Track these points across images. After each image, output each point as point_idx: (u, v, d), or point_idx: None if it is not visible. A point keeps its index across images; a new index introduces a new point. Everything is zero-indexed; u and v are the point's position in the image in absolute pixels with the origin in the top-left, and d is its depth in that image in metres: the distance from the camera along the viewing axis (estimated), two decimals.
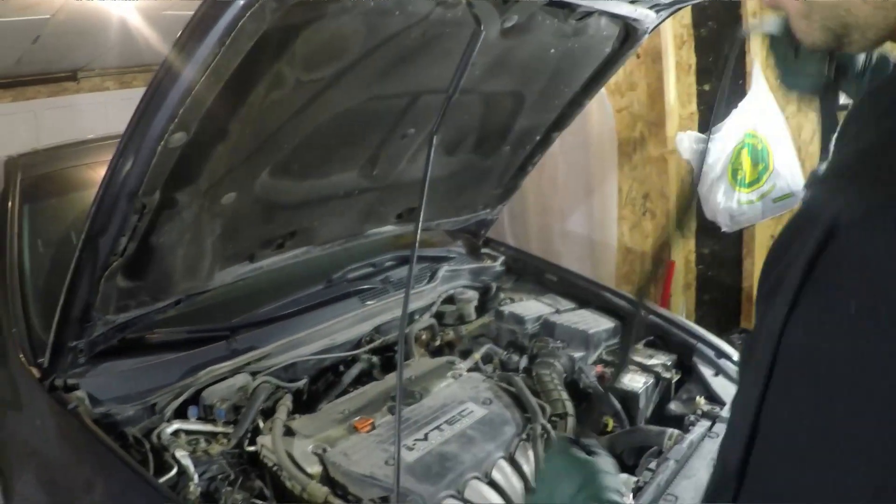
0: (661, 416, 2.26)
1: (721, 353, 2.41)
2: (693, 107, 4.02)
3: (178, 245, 1.73)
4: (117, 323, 1.83)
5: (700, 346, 2.43)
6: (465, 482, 1.76)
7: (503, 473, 1.85)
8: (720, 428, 2.07)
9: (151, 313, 1.91)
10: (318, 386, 2.28)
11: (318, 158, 1.87)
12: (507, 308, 2.66)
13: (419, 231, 1.42)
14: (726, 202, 3.62)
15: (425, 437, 1.87)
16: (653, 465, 1.95)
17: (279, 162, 1.76)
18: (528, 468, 1.91)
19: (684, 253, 4.20)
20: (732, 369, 2.36)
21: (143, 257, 1.68)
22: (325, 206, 2.10)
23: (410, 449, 1.81)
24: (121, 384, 1.90)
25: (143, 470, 1.62)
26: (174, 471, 1.68)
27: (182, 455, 1.72)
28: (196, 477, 1.69)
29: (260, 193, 1.81)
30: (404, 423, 1.92)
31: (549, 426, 2.00)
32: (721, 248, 4.19)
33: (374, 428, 1.91)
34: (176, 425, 1.84)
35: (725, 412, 2.13)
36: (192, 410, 1.94)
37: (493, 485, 1.81)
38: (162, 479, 1.64)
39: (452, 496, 1.72)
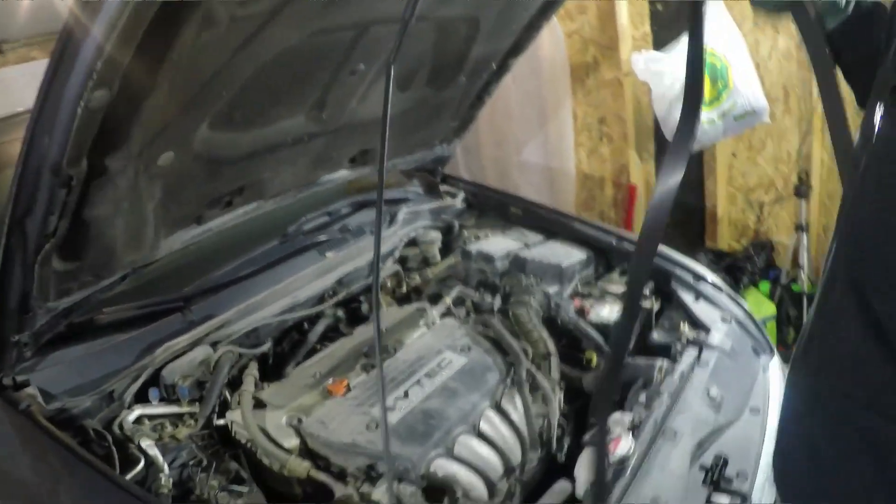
0: (645, 347, 2.17)
1: (699, 277, 2.32)
2: (646, 27, 3.87)
3: (116, 216, 1.53)
4: (60, 309, 1.63)
5: (677, 271, 2.34)
6: (453, 439, 1.65)
7: (491, 424, 1.75)
8: (708, 355, 1.99)
9: (97, 293, 1.72)
10: (282, 347, 2.12)
11: (262, 105, 1.68)
12: (475, 246, 2.52)
13: (384, 173, 1.26)
14: None
15: (406, 395, 1.75)
16: (642, 398, 1.87)
17: (219, 112, 1.56)
18: (516, 416, 1.81)
19: (644, 176, 4.11)
20: (712, 293, 2.28)
21: (78, 234, 1.48)
22: (274, 157, 1.92)
23: (392, 409, 1.69)
24: (74, 374, 1.70)
25: (107, 469, 1.45)
26: (141, 463, 1.52)
27: (148, 445, 1.56)
28: (166, 467, 1.53)
29: (200, 149, 1.62)
30: None
31: (533, 369, 1.90)
32: None
33: (349, 390, 1.78)
34: (138, 411, 1.67)
35: (711, 338, 2.06)
36: (154, 392, 1.76)
37: (483, 437, 1.71)
38: (129, 476, 1.48)
39: (442, 455, 1.61)
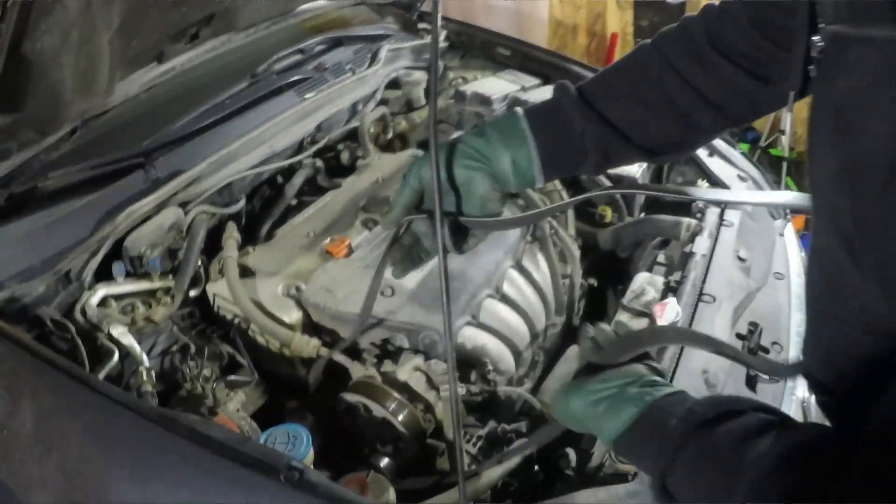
0: (658, 204, 1.95)
1: None
2: None
3: (64, 50, 1.15)
4: None
5: None
6: (478, 304, 1.38)
7: (515, 286, 1.48)
8: (731, 215, 1.76)
9: (41, 154, 1.36)
10: (252, 206, 1.77)
11: None
12: (469, 87, 2.15)
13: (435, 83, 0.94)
14: None
15: None
16: (661, 258, 1.66)
17: None
18: (538, 275, 1.55)
19: (622, 25, 3.78)
20: (726, 149, 2.03)
21: (17, 77, 1.11)
22: None
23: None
24: (21, 255, 1.33)
25: (74, 367, 1.13)
26: (115, 356, 1.21)
27: (120, 332, 1.25)
28: (145, 358, 1.23)
29: None
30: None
31: (555, 223, 1.66)
32: (661, 20, 3.77)
33: (351, 251, 1.49)
34: (102, 291, 1.33)
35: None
36: (118, 268, 1.39)
37: (507, 300, 1.46)
38: (103, 373, 1.17)
39: (469, 323, 1.35)
